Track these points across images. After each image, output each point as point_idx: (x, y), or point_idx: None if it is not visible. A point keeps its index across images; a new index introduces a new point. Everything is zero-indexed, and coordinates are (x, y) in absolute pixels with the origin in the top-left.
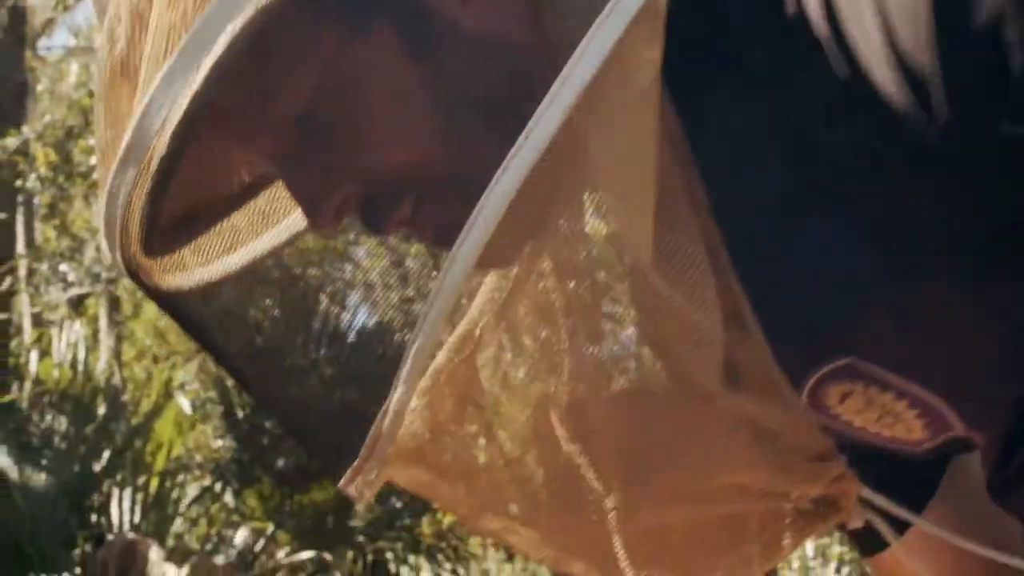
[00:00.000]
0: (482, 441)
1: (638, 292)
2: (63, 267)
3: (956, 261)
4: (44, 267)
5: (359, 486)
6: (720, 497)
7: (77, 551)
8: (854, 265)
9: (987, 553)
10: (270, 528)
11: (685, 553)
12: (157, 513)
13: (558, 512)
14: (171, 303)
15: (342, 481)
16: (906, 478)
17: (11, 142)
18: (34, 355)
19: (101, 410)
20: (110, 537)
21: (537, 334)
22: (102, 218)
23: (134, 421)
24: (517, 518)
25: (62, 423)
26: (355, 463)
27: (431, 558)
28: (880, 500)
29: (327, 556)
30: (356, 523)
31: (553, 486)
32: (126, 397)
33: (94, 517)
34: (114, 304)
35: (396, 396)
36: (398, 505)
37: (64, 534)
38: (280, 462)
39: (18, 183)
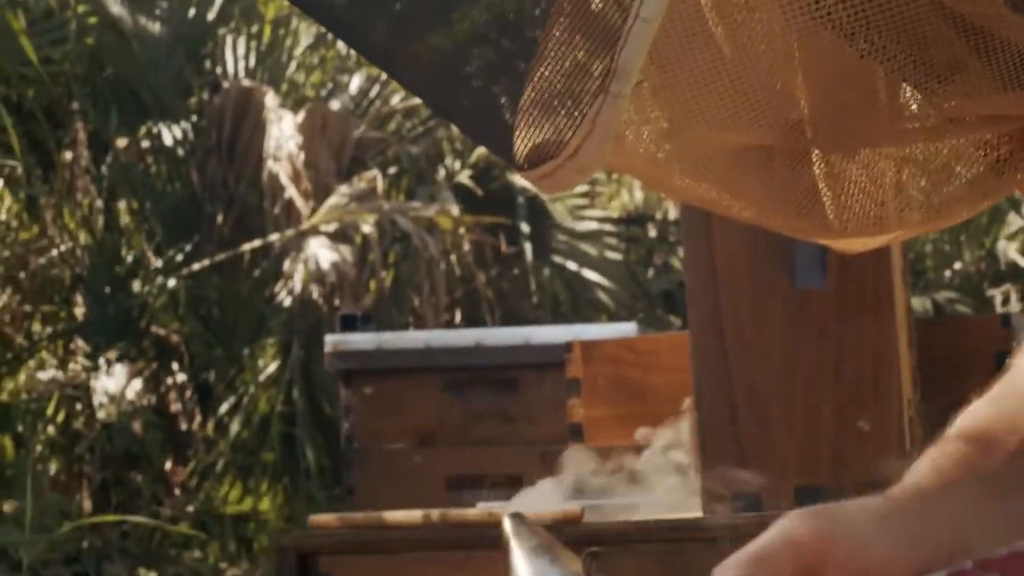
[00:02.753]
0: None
1: None
2: None
3: None
4: None
5: (568, 174)
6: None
7: (193, 99)
8: None
9: None
10: (384, 74)
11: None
12: (272, 59)
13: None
14: None
15: (540, 170)
16: None
17: None
18: None
19: None
20: (225, 84)
21: None
22: None
23: None
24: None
25: None
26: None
27: None
28: None
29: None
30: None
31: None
32: None
33: (209, 65)
34: None
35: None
36: None
37: (180, 82)
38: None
39: None
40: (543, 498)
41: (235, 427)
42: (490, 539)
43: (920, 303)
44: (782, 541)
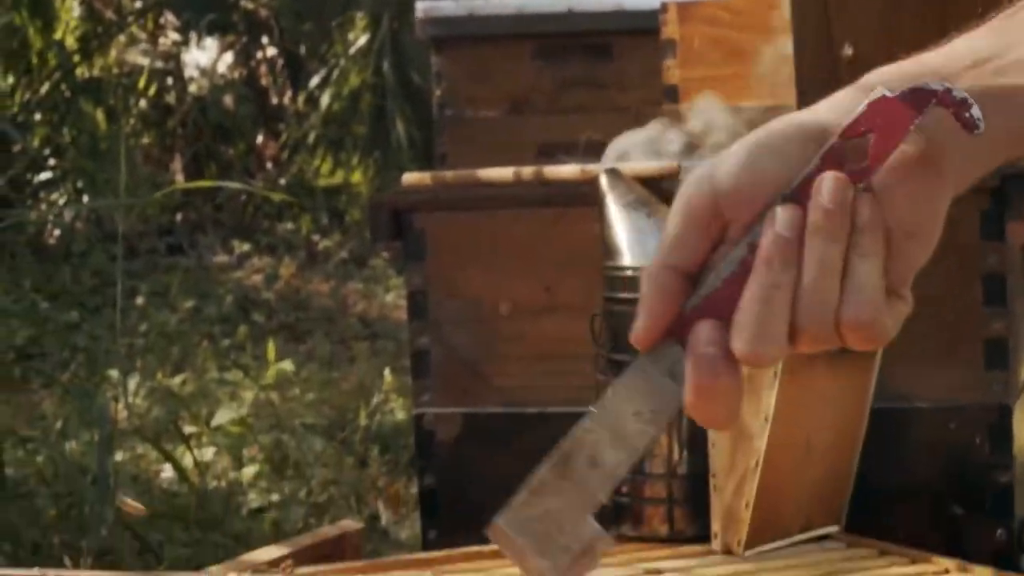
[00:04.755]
0: None
1: None
2: None
3: None
4: None
5: None
6: None
7: None
8: None
9: None
10: None
11: None
12: None
13: None
14: None
15: None
16: None
17: None
18: None
19: None
20: None
21: None
22: None
23: None
24: None
25: None
26: None
27: None
28: None
29: None
30: None
31: None
32: None
33: None
34: None
35: None
36: None
37: None
38: None
39: None
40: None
41: (326, 100)
42: (584, 196)
43: None
44: (683, 221)
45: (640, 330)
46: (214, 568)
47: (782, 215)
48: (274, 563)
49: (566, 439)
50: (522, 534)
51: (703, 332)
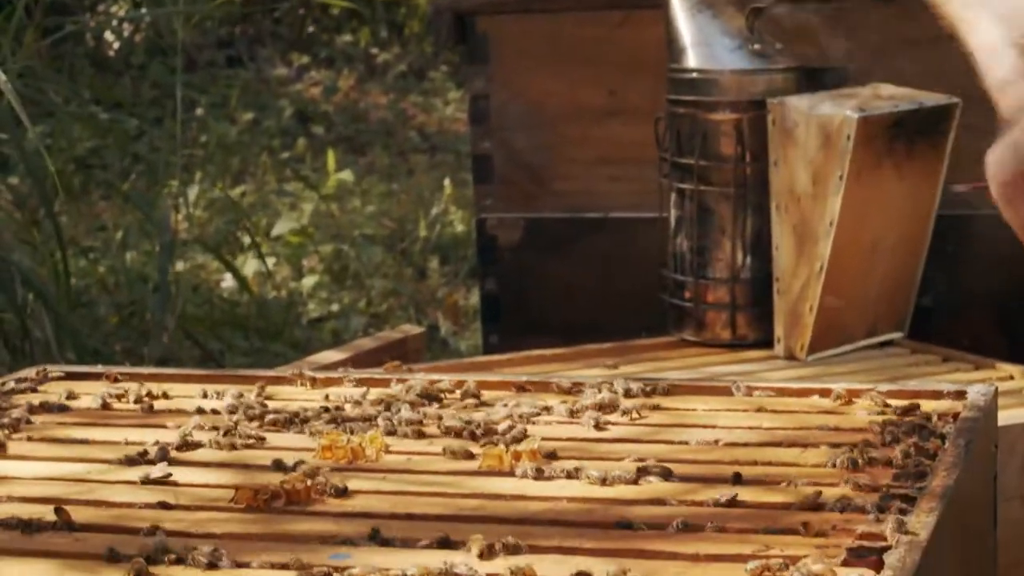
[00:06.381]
0: None
1: None
2: None
3: None
4: None
5: None
6: None
7: None
8: None
9: None
10: None
11: None
12: None
13: None
14: None
15: None
16: None
17: None
18: None
19: None
20: None
21: None
22: None
23: None
24: None
25: None
26: None
27: None
28: None
29: None
30: None
31: None
32: None
33: None
34: None
35: None
36: None
37: None
38: None
39: None
40: None
41: None
42: None
43: None
44: None
45: None
46: (281, 368)
47: None
48: (336, 365)
49: None
50: None
51: None
